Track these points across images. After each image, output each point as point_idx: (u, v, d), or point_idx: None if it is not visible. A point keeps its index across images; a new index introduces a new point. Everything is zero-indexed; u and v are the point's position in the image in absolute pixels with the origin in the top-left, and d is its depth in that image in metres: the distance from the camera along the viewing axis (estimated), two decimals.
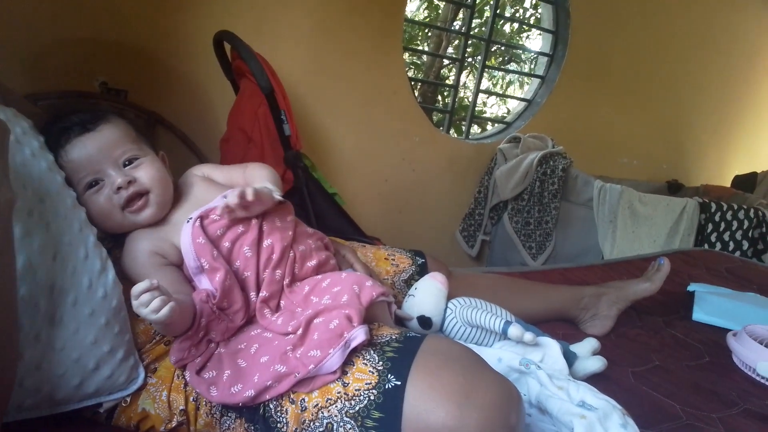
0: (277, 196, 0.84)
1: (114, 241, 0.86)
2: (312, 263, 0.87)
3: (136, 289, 0.64)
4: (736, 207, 2.62)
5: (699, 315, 1.41)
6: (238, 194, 0.78)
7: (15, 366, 0.58)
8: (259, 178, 0.89)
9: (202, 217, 0.82)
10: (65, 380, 0.67)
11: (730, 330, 1.28)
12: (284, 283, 0.83)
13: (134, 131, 0.87)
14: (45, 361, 0.65)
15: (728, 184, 3.61)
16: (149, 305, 0.63)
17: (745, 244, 2.63)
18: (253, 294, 0.81)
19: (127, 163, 0.83)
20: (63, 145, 0.79)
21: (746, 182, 3.43)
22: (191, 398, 0.75)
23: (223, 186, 0.92)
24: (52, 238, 0.67)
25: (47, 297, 0.65)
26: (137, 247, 0.81)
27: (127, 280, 0.77)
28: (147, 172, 0.83)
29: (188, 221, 0.81)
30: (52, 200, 0.69)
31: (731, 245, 2.62)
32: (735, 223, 2.62)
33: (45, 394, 0.66)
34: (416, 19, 4.82)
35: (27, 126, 0.74)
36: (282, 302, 0.82)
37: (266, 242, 0.83)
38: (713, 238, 2.61)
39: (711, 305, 1.44)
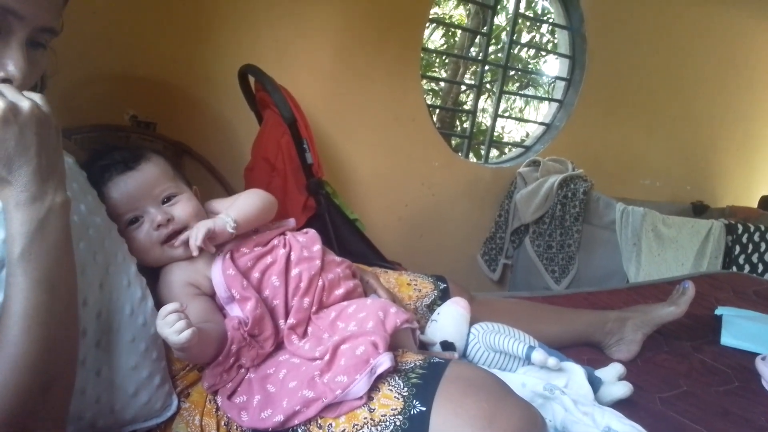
0: (230, 229, 0.84)
1: (147, 274, 0.89)
2: (340, 291, 0.89)
3: (165, 309, 0.66)
4: (763, 228, 2.58)
5: (727, 339, 1.39)
6: (193, 239, 0.80)
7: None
8: (233, 209, 0.89)
9: (232, 251, 0.86)
10: (104, 405, 0.69)
11: (759, 354, 1.25)
12: (311, 311, 0.85)
13: (172, 168, 0.90)
14: (89, 385, 0.67)
15: (755, 205, 3.54)
16: (173, 325, 0.65)
17: None
18: (281, 321, 0.84)
19: (165, 200, 0.86)
20: (105, 183, 0.83)
21: None
22: (223, 422, 0.77)
23: None
24: (99, 267, 0.70)
25: (94, 324, 0.68)
26: (172, 278, 0.84)
27: None
28: (184, 210, 0.86)
29: (219, 255, 0.85)
30: (98, 231, 0.72)
31: (760, 267, 2.57)
32: (763, 245, 2.57)
33: (87, 422, 0.68)
34: (433, 45, 4.89)
35: (71, 162, 0.77)
36: (309, 328, 0.84)
37: (294, 271, 0.86)
38: (741, 261, 2.56)
39: (739, 329, 1.42)
